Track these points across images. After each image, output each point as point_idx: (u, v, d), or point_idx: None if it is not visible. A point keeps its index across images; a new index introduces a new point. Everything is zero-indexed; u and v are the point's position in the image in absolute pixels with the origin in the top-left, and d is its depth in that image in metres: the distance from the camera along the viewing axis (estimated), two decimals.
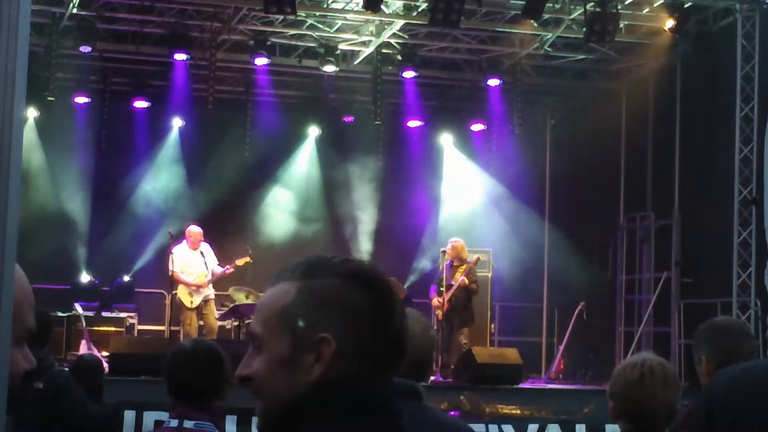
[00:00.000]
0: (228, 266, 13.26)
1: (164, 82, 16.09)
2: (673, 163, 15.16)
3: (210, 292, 13.25)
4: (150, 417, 8.88)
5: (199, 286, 13.07)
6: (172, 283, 13.09)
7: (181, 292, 13.08)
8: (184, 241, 13.31)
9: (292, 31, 14.90)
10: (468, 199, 17.41)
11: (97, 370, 7.32)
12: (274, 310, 1.76)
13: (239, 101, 16.97)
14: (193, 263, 13.16)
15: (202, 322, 13.18)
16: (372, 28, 14.95)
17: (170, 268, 12.99)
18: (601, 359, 14.81)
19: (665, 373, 3.28)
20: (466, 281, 13.09)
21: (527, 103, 16.65)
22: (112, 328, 14.48)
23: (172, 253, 13.10)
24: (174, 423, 3.50)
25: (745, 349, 3.84)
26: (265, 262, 14.73)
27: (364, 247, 17.16)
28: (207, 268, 13.16)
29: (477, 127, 17.44)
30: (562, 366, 14.67)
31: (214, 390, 3.59)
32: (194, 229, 13.42)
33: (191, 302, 12.99)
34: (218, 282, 13.57)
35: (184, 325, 13.13)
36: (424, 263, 16.55)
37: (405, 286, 15.53)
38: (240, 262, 13.38)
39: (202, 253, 13.22)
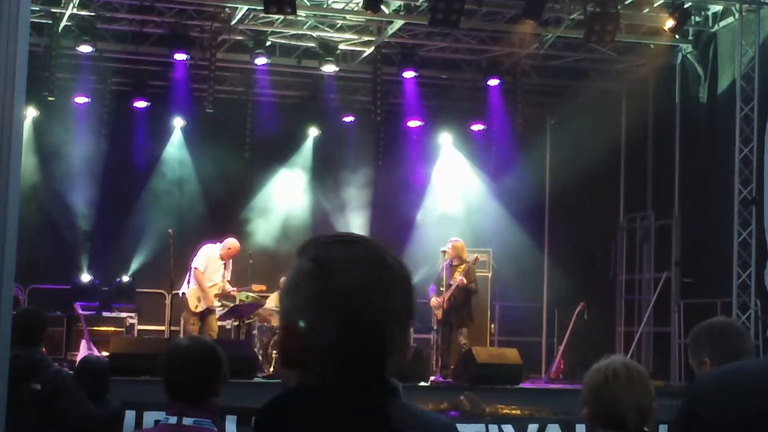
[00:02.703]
0: (235, 288, 13.11)
1: (164, 82, 16.10)
2: (673, 163, 15.16)
3: (218, 304, 13.02)
4: (150, 417, 8.85)
5: (212, 295, 12.84)
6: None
7: (191, 295, 12.77)
8: (218, 245, 13.00)
9: (292, 31, 14.90)
10: (468, 199, 17.42)
11: (102, 373, 7.26)
12: None
13: (239, 101, 16.97)
14: (216, 272, 12.95)
15: (201, 323, 13.05)
16: (372, 28, 14.95)
17: (193, 264, 12.76)
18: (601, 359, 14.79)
19: (630, 374, 3.30)
20: (465, 281, 13.08)
21: (527, 103, 16.65)
22: (112, 328, 14.49)
23: (200, 248, 12.94)
24: (173, 420, 3.50)
25: (745, 349, 3.85)
26: (264, 262, 14.76)
27: None
28: (222, 282, 12.97)
29: (477, 127, 17.45)
30: (562, 366, 14.66)
31: (210, 388, 3.59)
32: (235, 244, 13.14)
33: (196, 306, 12.82)
34: None
35: (187, 324, 13.01)
36: (424, 263, 16.53)
37: None
38: (256, 288, 13.42)
39: (225, 265, 13.03)
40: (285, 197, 17.16)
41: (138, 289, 15.88)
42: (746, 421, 1.76)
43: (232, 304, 13.16)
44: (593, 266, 16.53)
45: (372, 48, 15.17)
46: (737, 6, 13.58)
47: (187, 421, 3.47)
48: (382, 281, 1.68)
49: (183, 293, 12.91)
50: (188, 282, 12.91)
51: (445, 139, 17.82)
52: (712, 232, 14.16)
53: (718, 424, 1.78)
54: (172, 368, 3.60)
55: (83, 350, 12.69)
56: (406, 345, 1.72)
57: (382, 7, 13.34)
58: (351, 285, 1.65)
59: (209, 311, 12.85)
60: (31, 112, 15.48)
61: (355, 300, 1.65)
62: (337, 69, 15.29)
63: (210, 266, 12.88)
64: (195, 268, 12.76)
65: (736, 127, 13.17)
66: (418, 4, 13.84)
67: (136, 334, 14.73)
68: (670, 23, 13.58)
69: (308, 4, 13.89)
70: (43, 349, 6.80)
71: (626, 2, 13.68)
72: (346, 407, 1.65)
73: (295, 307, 1.69)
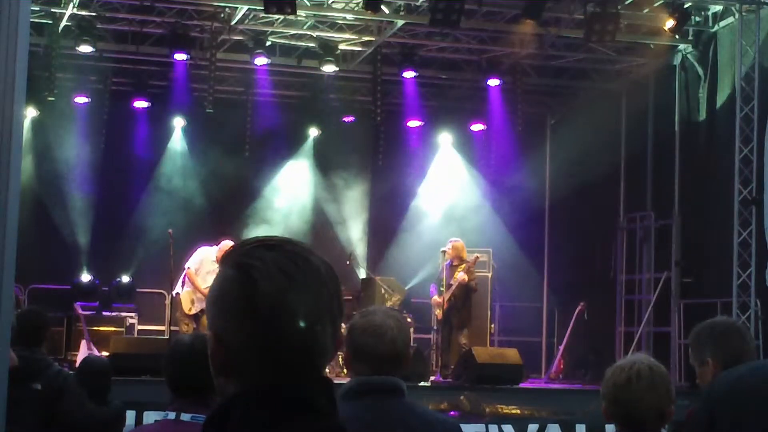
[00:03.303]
0: None
1: (164, 82, 16.10)
2: (673, 163, 15.15)
3: None
4: (150, 417, 8.90)
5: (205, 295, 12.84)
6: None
7: (184, 297, 12.81)
8: (214, 248, 12.88)
9: (292, 31, 14.90)
10: (468, 199, 17.41)
11: (104, 373, 7.26)
12: None
13: (239, 101, 16.98)
14: (212, 274, 12.90)
15: (195, 325, 13.04)
16: (372, 28, 14.95)
17: (187, 264, 12.77)
18: (601, 359, 14.79)
19: (653, 377, 3.30)
20: (466, 278, 13.07)
21: (527, 103, 16.65)
22: (112, 328, 14.49)
23: (196, 249, 12.92)
24: (172, 416, 3.51)
25: (748, 349, 3.86)
26: None
27: (363, 247, 17.16)
28: None
29: (477, 127, 17.44)
30: (562, 366, 14.67)
31: (211, 385, 3.58)
32: (231, 246, 13.05)
33: (190, 309, 12.82)
34: None
35: (181, 324, 13.02)
36: (424, 263, 16.54)
37: (406, 288, 15.52)
38: None
39: None
40: (285, 197, 17.16)
41: (138, 289, 15.88)
42: (765, 424, 1.76)
43: None
44: (593, 266, 16.52)
45: (372, 48, 15.16)
46: (737, 6, 13.57)
47: (185, 416, 3.47)
48: (306, 282, 1.67)
49: (177, 293, 12.93)
50: (182, 284, 12.92)
51: (445, 139, 17.82)
52: (712, 232, 14.15)
53: (737, 426, 1.77)
54: (175, 365, 3.60)
55: (83, 350, 12.68)
56: (339, 343, 1.73)
57: (382, 7, 13.34)
58: (274, 288, 1.65)
59: (203, 312, 12.85)
60: (30, 112, 15.47)
61: (279, 303, 1.65)
62: (337, 69, 15.28)
63: (204, 268, 12.88)
64: (187, 268, 12.78)
65: (736, 127, 13.16)
66: (418, 4, 13.83)
67: (136, 334, 14.73)
68: (670, 23, 13.57)
69: (308, 4, 13.88)
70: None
71: (626, 2, 13.68)
72: (285, 410, 1.65)
73: (222, 315, 1.69)
